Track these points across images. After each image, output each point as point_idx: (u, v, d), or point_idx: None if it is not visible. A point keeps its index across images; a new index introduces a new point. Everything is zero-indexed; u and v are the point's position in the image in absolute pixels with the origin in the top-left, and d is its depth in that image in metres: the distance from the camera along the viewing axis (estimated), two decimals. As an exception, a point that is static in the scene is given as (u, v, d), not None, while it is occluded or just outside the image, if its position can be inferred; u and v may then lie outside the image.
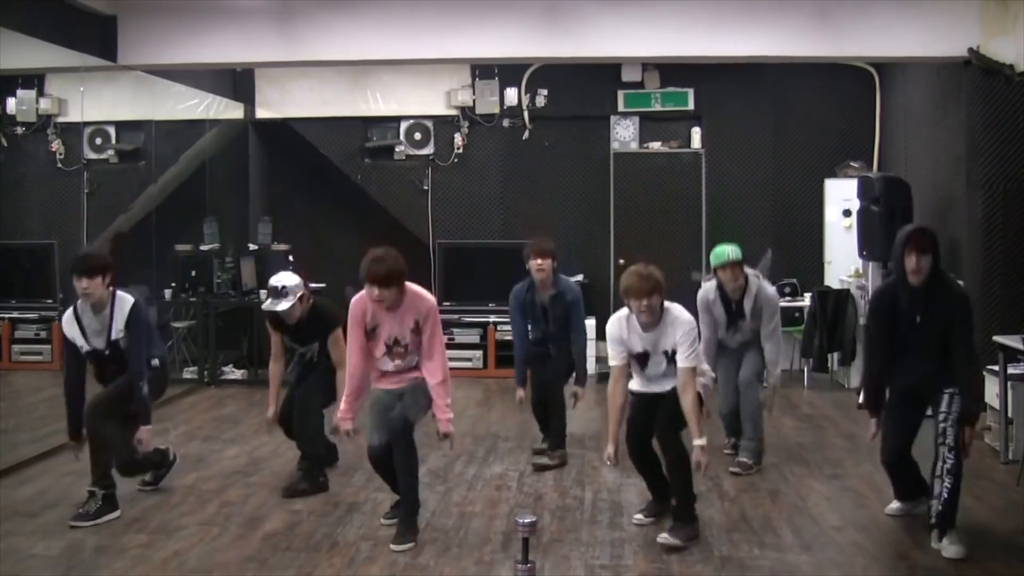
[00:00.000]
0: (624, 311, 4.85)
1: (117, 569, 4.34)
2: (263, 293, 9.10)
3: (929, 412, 4.77)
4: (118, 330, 5.09)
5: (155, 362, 5.27)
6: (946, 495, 4.51)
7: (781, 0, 7.12)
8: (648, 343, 4.81)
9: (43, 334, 8.45)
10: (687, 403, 4.66)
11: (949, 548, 4.47)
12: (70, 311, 5.14)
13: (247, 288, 9.13)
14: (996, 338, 6.05)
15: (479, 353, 9.23)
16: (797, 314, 9.02)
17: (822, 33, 7.14)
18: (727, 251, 5.87)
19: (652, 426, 4.89)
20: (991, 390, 6.30)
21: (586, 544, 4.64)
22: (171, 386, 8.08)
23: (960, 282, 5.43)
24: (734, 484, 5.63)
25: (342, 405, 4.88)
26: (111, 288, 5.09)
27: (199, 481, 5.70)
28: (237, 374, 9.12)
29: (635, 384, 4.99)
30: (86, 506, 5.03)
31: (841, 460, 6.12)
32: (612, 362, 4.91)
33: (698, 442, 4.65)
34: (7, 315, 8.39)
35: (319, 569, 4.34)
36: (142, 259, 8.42)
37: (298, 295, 5.51)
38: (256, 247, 9.81)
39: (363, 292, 4.71)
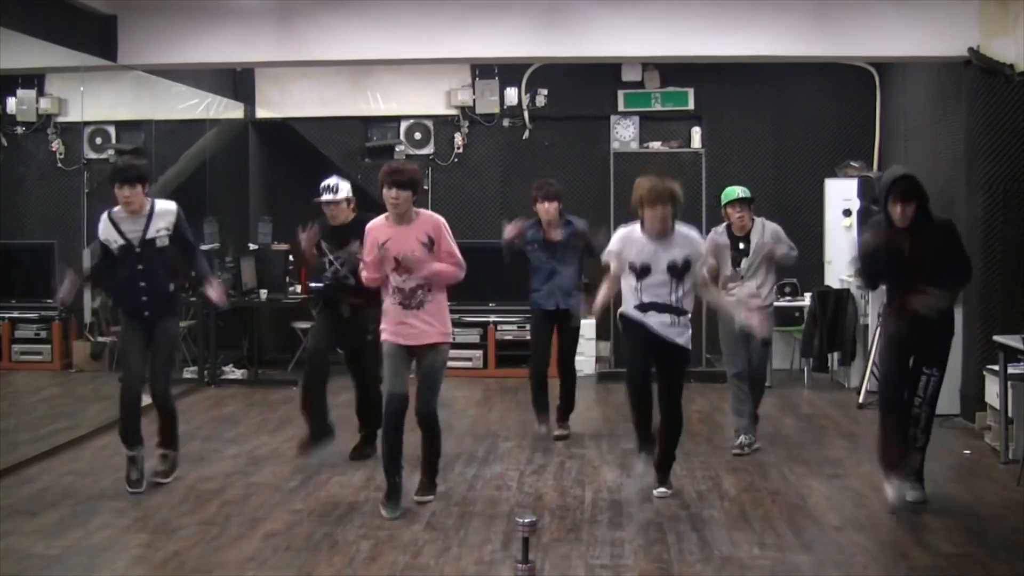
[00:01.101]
0: (631, 226, 5.19)
1: (117, 569, 4.34)
2: (263, 293, 9.13)
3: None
4: (156, 229, 5.47)
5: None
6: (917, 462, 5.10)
7: (781, 0, 7.12)
8: (650, 255, 5.09)
9: (43, 334, 8.44)
10: (712, 295, 5.45)
11: (911, 492, 5.08)
12: (105, 215, 5.51)
13: (247, 288, 9.13)
14: (996, 338, 6.05)
15: (479, 353, 9.22)
16: (797, 314, 9.02)
17: (822, 33, 7.14)
18: (737, 190, 6.36)
19: (651, 375, 5.26)
20: (991, 390, 6.31)
21: (586, 544, 4.64)
22: (171, 386, 8.13)
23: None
24: (734, 484, 5.63)
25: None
26: (148, 196, 5.52)
27: (199, 481, 5.70)
28: (237, 374, 9.12)
29: (629, 306, 5.19)
30: (162, 465, 5.60)
31: (841, 460, 6.12)
32: (610, 266, 5.32)
33: (737, 310, 5.55)
34: (7, 315, 8.39)
35: (319, 569, 4.34)
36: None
37: (348, 195, 5.99)
38: (256, 247, 9.81)
39: (376, 219, 5.13)
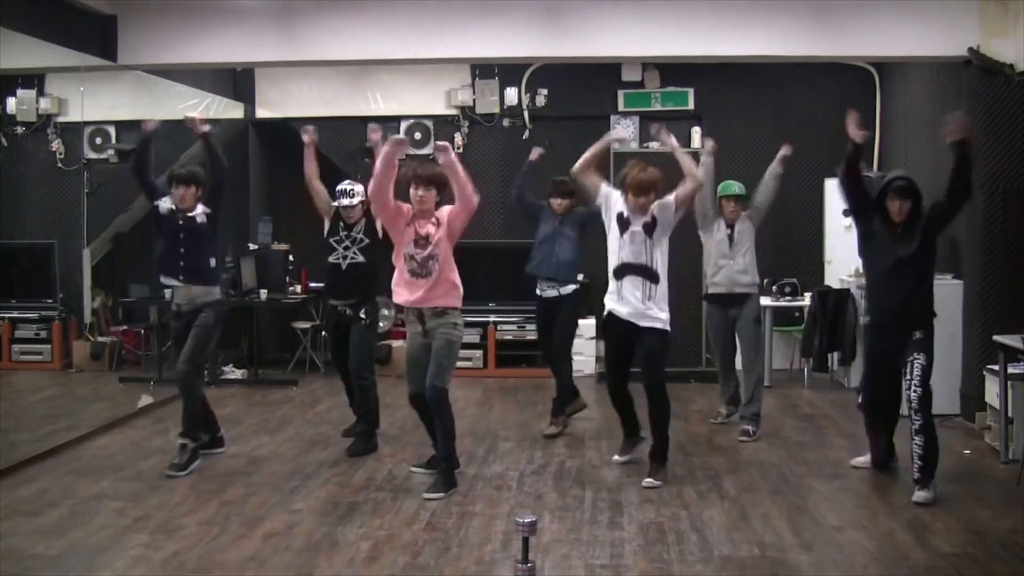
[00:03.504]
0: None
1: (117, 569, 4.34)
2: (263, 293, 9.14)
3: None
4: (196, 212, 6.05)
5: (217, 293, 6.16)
6: (920, 451, 5.26)
7: (781, 0, 7.12)
8: (632, 213, 5.61)
9: (43, 334, 8.44)
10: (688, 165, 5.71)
11: (918, 494, 5.20)
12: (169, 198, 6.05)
13: (247, 288, 9.13)
14: (996, 338, 6.06)
15: (479, 353, 9.22)
16: (797, 314, 9.02)
17: (822, 33, 7.14)
18: (734, 186, 6.97)
19: (627, 369, 5.78)
20: (991, 390, 6.31)
21: (586, 544, 4.64)
22: (171, 386, 8.14)
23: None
24: (734, 484, 5.63)
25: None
26: (199, 200, 6.07)
27: (199, 481, 5.70)
28: (237, 374, 9.12)
29: (611, 300, 5.69)
30: (179, 457, 5.85)
31: (841, 460, 6.12)
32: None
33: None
34: (7, 315, 8.39)
35: (319, 569, 4.34)
36: (142, 259, 8.42)
37: (362, 197, 6.35)
38: (256, 247, 9.80)
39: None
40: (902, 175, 5.53)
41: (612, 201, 5.69)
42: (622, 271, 5.63)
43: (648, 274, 5.58)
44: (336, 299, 6.49)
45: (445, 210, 5.51)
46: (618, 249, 5.64)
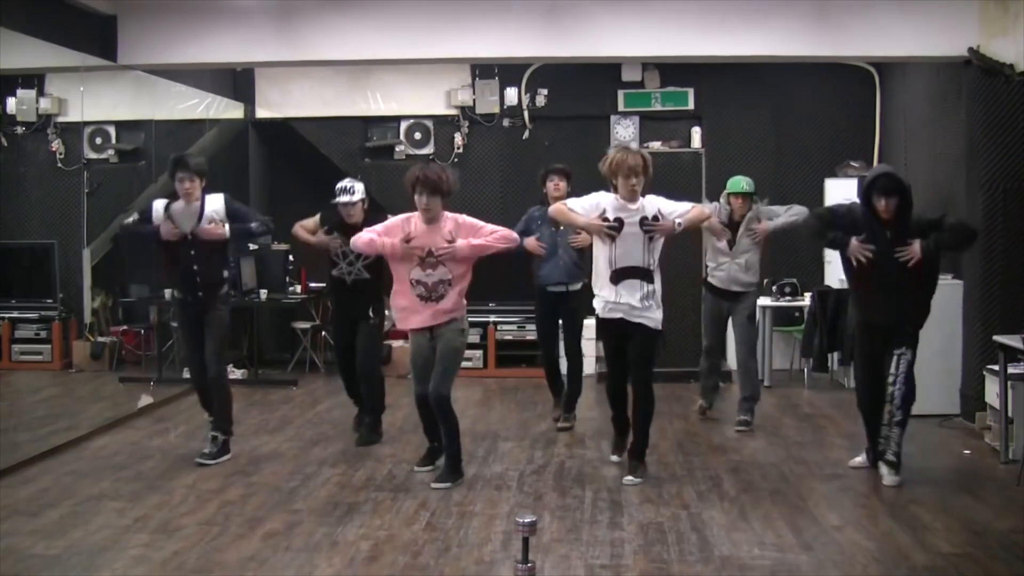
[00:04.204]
0: (606, 194, 5.60)
1: (117, 569, 4.34)
2: (263, 293, 9.14)
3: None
4: (209, 220, 5.89)
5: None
6: (897, 440, 5.50)
7: (781, 0, 7.12)
8: (624, 212, 5.48)
9: (43, 334, 8.44)
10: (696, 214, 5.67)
11: (889, 477, 5.49)
12: (162, 207, 5.93)
13: (247, 288, 9.13)
14: (996, 338, 6.05)
15: (479, 353, 9.21)
16: (797, 314, 9.02)
17: (822, 33, 7.14)
18: (742, 183, 6.88)
19: (626, 368, 5.71)
20: (991, 390, 6.31)
21: (586, 544, 4.64)
22: (171, 386, 8.15)
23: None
24: (734, 484, 5.63)
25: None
26: (203, 189, 5.96)
27: (199, 481, 5.70)
28: (237, 374, 9.11)
29: (604, 291, 5.56)
30: (210, 448, 6.03)
31: (841, 460, 6.12)
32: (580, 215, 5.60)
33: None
34: (7, 315, 8.39)
35: (319, 569, 4.34)
36: (142, 259, 8.42)
37: (362, 195, 6.36)
38: (256, 247, 9.80)
39: (406, 215, 5.46)
40: (884, 172, 5.51)
41: (598, 210, 5.55)
42: (618, 276, 5.52)
43: (644, 275, 5.52)
44: (344, 309, 6.52)
45: (461, 227, 5.41)
46: (609, 253, 5.52)
